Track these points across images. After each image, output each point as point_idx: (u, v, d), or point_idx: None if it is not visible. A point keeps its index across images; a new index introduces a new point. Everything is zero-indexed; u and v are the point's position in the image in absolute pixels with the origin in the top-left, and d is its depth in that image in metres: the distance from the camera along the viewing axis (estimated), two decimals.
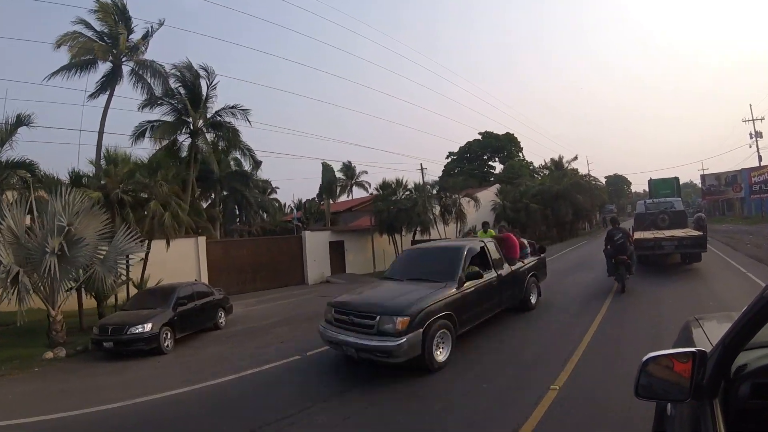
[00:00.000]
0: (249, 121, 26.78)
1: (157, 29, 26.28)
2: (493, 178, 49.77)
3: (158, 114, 25.90)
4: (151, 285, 17.70)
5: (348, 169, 41.28)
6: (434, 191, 33.13)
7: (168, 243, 19.77)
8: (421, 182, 32.24)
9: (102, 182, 17.35)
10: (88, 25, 24.51)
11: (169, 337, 12.23)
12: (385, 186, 31.15)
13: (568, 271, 19.48)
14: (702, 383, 2.22)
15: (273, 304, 21.29)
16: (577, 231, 48.95)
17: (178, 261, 24.26)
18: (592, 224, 55.02)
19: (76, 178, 17.24)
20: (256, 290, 26.47)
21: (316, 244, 29.65)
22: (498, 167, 58.19)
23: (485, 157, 59.29)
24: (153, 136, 24.58)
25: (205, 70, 26.22)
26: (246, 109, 26.49)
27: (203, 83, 26.27)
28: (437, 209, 33.03)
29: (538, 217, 38.09)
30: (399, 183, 31.24)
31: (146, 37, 26.36)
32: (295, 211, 42.04)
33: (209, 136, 27.43)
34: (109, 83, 25.68)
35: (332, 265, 30.34)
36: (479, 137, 59.68)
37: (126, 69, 26.16)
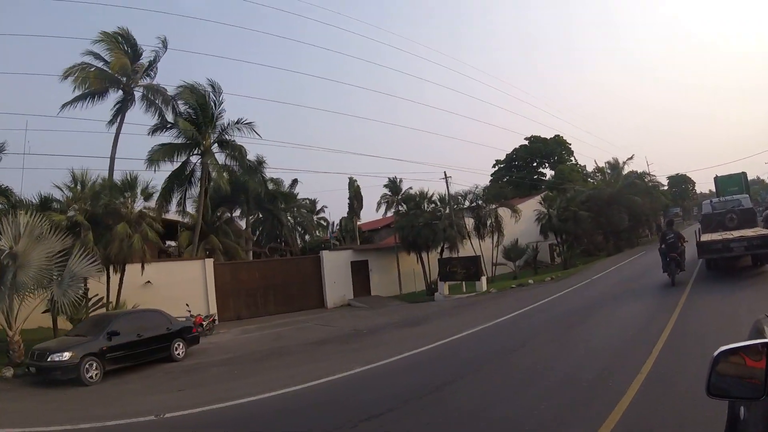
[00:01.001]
0: (258, 134, 26.50)
1: (163, 54, 25.98)
2: (544, 186, 45.28)
3: (169, 137, 25.72)
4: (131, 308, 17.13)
5: (394, 184, 38.84)
6: (466, 202, 30.10)
7: (143, 266, 18.71)
8: (447, 194, 29.11)
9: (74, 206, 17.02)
10: (96, 56, 24.43)
11: (94, 368, 11.46)
12: (408, 199, 28.41)
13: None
14: None
15: (270, 331, 19.51)
16: (637, 239, 43.27)
17: (185, 284, 23.15)
18: (653, 231, 48.95)
19: (45, 202, 16.98)
20: (269, 314, 24.87)
21: (335, 264, 27.50)
22: (549, 174, 53.20)
23: (534, 164, 54.74)
24: (152, 158, 24.11)
25: (212, 86, 25.84)
26: (249, 122, 25.96)
27: (211, 103, 25.87)
28: (470, 222, 30.15)
29: (589, 225, 33.80)
30: (423, 195, 28.25)
31: (153, 62, 26.13)
32: (331, 230, 40.37)
33: (220, 156, 26.91)
34: (120, 110, 25.49)
35: (355, 287, 27.94)
36: (526, 143, 55.54)
37: (137, 95, 26.01)
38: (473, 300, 22.05)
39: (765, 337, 2.86)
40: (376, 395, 7.95)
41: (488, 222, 29.57)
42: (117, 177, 20.57)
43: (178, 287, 22.79)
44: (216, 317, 21.18)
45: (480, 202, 30.11)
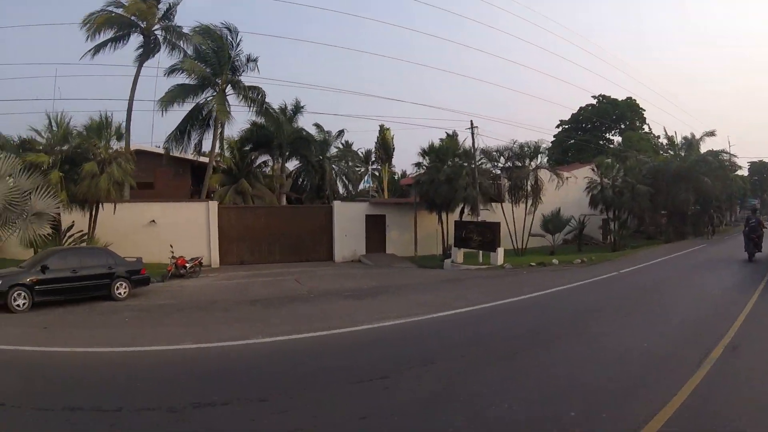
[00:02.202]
0: (258, 69, 26.15)
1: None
2: (608, 153, 39.45)
3: (185, 79, 25.03)
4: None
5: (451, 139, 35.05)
6: (502, 159, 26.75)
7: (114, 206, 18.56)
8: (472, 147, 25.15)
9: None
10: (117, 4, 24.01)
11: (22, 297, 11.90)
12: (431, 150, 25.75)
13: None
14: None
15: (254, 280, 18.39)
16: (706, 227, 36.29)
17: (189, 225, 22.90)
18: (724, 220, 41.56)
19: (23, 143, 17.61)
20: (273, 262, 24.02)
21: (348, 216, 25.85)
22: (617, 141, 46.30)
23: (604, 127, 47.56)
24: (163, 99, 23.79)
25: (228, 29, 25.00)
26: (255, 59, 25.47)
27: (228, 45, 25.12)
28: (505, 183, 27.03)
29: (647, 202, 29.16)
30: (445, 147, 25.15)
31: (173, 5, 25.47)
32: (367, 181, 38.49)
33: (233, 98, 25.94)
34: (141, 54, 25.16)
35: (369, 243, 26.19)
36: (594, 102, 48.54)
37: (159, 38, 25.62)
38: (475, 274, 18.84)
39: None
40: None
41: (525, 185, 26.22)
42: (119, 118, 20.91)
43: (181, 228, 22.57)
44: (202, 260, 20.53)
45: (516, 161, 26.58)
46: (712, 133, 34.34)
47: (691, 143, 34.52)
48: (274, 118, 28.12)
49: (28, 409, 5.22)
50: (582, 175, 30.59)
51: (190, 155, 27.67)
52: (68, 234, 17.94)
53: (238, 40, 25.07)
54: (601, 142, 45.55)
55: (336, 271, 20.83)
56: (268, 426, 4.81)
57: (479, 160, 25.49)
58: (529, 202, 25.89)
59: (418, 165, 26.51)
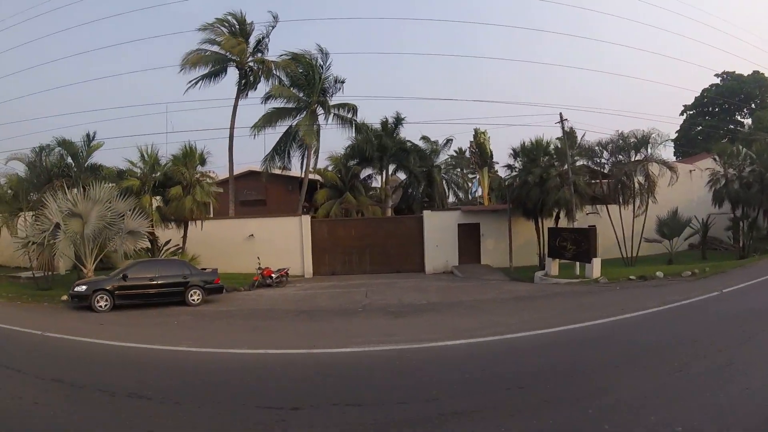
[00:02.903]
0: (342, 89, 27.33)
1: (273, 28, 27.18)
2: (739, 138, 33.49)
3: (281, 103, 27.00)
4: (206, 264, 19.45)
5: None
6: (605, 154, 23.88)
7: (201, 224, 20.61)
8: (564, 141, 22.78)
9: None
10: (211, 42, 26.31)
11: (104, 300, 14.23)
12: (524, 151, 24.05)
13: None
14: None
15: (333, 290, 19.08)
16: None
17: (284, 239, 24.47)
18: None
19: (121, 173, 20.17)
20: (364, 273, 24.69)
21: (439, 226, 25.31)
22: (747, 124, 39.29)
23: (731, 108, 40.72)
24: (256, 125, 26.02)
25: (321, 51, 26.58)
26: (342, 80, 26.84)
27: (319, 67, 26.80)
28: (604, 184, 24.35)
29: None
30: (539, 145, 23.20)
31: (264, 38, 27.38)
32: (474, 188, 37.33)
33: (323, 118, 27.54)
34: (239, 86, 27.24)
35: (463, 253, 25.37)
36: (717, 81, 42.08)
37: (253, 69, 27.57)
38: (559, 290, 17.09)
39: None
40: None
41: (631, 182, 23.32)
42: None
43: (277, 242, 24.25)
44: (288, 270, 21.58)
45: (620, 155, 23.60)
46: None
47: None
48: (364, 132, 28.80)
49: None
50: (707, 167, 26.91)
51: (294, 173, 29.37)
52: (165, 248, 20.35)
53: (327, 63, 26.56)
54: (732, 127, 39.47)
55: (415, 284, 20.39)
56: None
57: (574, 157, 23.48)
58: (637, 202, 23.24)
59: (509, 167, 25.15)
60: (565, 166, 22.26)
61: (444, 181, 38.12)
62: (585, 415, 5.14)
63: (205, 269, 16.91)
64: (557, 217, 23.39)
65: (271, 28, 26.84)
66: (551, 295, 15.90)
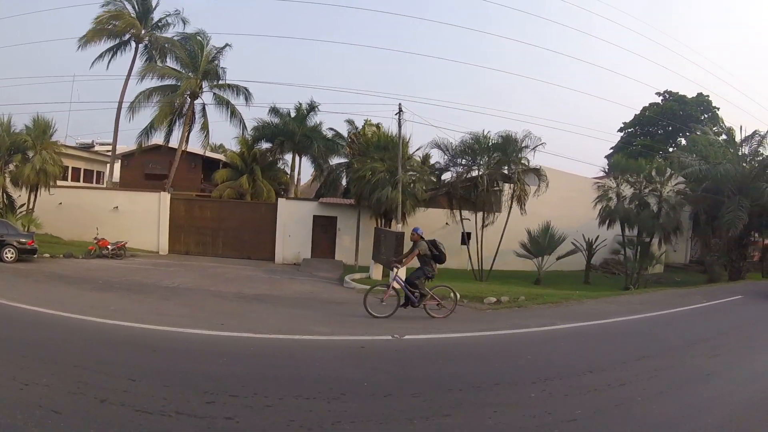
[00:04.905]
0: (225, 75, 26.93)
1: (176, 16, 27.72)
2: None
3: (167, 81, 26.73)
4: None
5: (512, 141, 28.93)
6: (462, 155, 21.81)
7: (48, 190, 21.54)
8: (399, 136, 20.58)
9: None
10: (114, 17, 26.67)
11: None
12: (373, 144, 22.15)
13: None
14: None
15: (161, 269, 18.29)
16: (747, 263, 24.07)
17: (145, 213, 24.37)
18: None
19: None
20: (216, 256, 23.85)
21: (294, 216, 24.17)
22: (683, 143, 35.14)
23: (671, 129, 36.79)
24: (132, 104, 25.96)
25: (200, 36, 26.53)
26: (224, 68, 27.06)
27: (206, 50, 26.54)
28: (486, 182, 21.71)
29: (674, 222, 20.26)
30: (382, 138, 22.03)
31: (164, 18, 27.82)
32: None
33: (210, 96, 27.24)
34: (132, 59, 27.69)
35: (317, 246, 24.15)
36: (658, 100, 38.29)
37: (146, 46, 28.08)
38: (325, 297, 14.22)
39: None
40: None
41: (485, 187, 20.76)
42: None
43: (139, 216, 24.11)
44: (125, 244, 21.37)
45: (467, 158, 21.45)
46: None
47: (754, 139, 23.20)
48: (275, 116, 28.35)
49: None
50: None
51: (197, 150, 29.51)
52: (19, 210, 21.44)
53: (215, 46, 26.71)
54: (672, 148, 34.48)
55: (244, 273, 18.94)
56: None
57: (414, 154, 21.54)
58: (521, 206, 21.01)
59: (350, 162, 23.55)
60: (398, 163, 20.25)
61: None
62: None
63: (32, 232, 18.36)
64: (404, 217, 21.42)
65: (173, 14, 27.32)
66: (307, 301, 13.49)
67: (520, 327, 10.35)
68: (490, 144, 21.10)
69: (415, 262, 10.59)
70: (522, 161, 21.33)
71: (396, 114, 20.21)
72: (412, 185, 20.53)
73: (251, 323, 9.39)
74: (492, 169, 21.26)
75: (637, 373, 6.54)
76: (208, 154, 31.85)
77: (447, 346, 8.43)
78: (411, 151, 22.67)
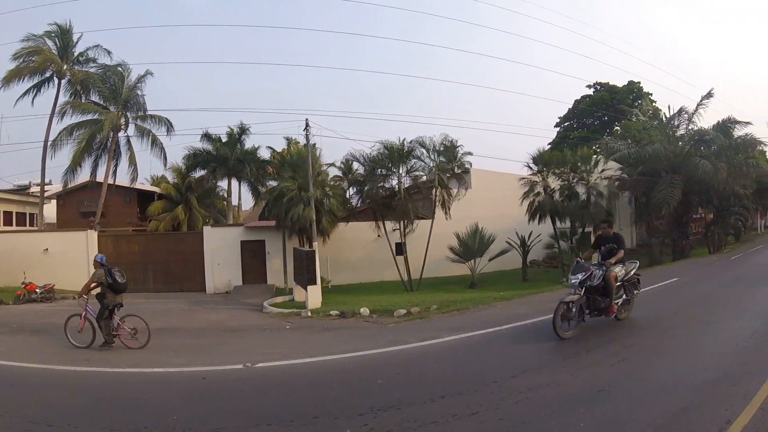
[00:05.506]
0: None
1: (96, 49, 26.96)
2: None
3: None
4: None
5: (448, 149, 26.77)
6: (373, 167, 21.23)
7: None
8: (308, 151, 20.10)
9: None
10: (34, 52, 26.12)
11: None
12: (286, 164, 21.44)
13: None
14: None
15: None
16: (690, 241, 23.63)
17: (74, 253, 23.60)
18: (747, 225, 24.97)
19: None
20: (148, 291, 22.80)
21: (221, 243, 23.55)
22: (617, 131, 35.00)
23: (605, 119, 36.83)
24: (55, 140, 25.54)
25: (120, 67, 26.28)
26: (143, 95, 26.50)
27: (127, 82, 26.33)
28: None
29: (602, 209, 19.58)
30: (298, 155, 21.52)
31: (85, 51, 27.19)
32: None
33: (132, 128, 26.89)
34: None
35: (248, 271, 23.53)
36: (590, 92, 38.55)
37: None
38: (232, 325, 14.08)
39: None
40: None
41: (402, 194, 20.30)
42: None
43: (69, 255, 23.41)
44: (53, 286, 20.80)
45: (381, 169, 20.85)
46: (708, 97, 21.85)
47: (682, 115, 22.46)
48: (208, 142, 27.80)
49: None
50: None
51: (126, 183, 28.93)
52: None
53: (133, 77, 26.35)
54: (606, 134, 34.15)
55: (166, 307, 18.19)
56: None
57: (321, 167, 20.93)
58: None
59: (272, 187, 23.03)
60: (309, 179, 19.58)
61: None
62: None
63: None
64: (324, 235, 20.76)
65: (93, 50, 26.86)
66: (205, 331, 13.32)
67: (398, 344, 9.45)
68: (405, 151, 20.34)
69: None
70: (442, 166, 20.64)
71: (304, 129, 19.62)
72: (326, 201, 19.71)
73: (115, 357, 9.01)
74: (412, 176, 20.61)
75: (503, 396, 5.52)
76: (142, 187, 31.34)
77: (294, 373, 7.74)
78: (325, 166, 21.87)
